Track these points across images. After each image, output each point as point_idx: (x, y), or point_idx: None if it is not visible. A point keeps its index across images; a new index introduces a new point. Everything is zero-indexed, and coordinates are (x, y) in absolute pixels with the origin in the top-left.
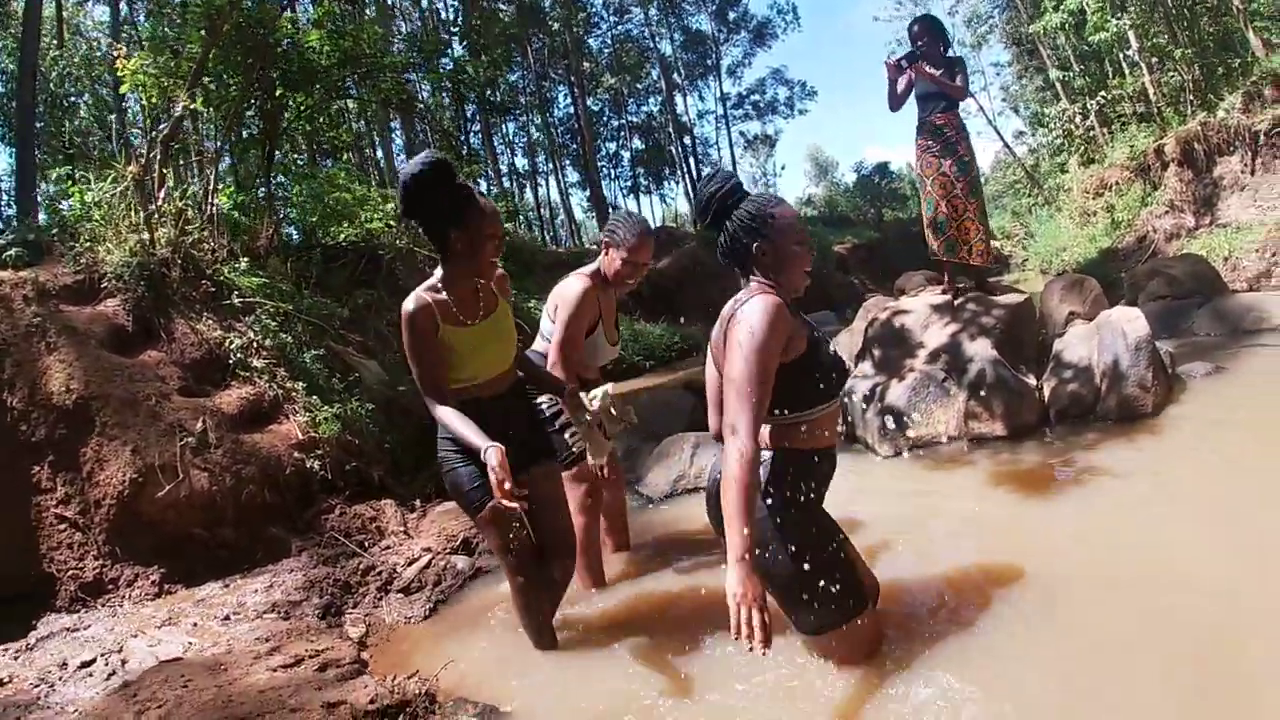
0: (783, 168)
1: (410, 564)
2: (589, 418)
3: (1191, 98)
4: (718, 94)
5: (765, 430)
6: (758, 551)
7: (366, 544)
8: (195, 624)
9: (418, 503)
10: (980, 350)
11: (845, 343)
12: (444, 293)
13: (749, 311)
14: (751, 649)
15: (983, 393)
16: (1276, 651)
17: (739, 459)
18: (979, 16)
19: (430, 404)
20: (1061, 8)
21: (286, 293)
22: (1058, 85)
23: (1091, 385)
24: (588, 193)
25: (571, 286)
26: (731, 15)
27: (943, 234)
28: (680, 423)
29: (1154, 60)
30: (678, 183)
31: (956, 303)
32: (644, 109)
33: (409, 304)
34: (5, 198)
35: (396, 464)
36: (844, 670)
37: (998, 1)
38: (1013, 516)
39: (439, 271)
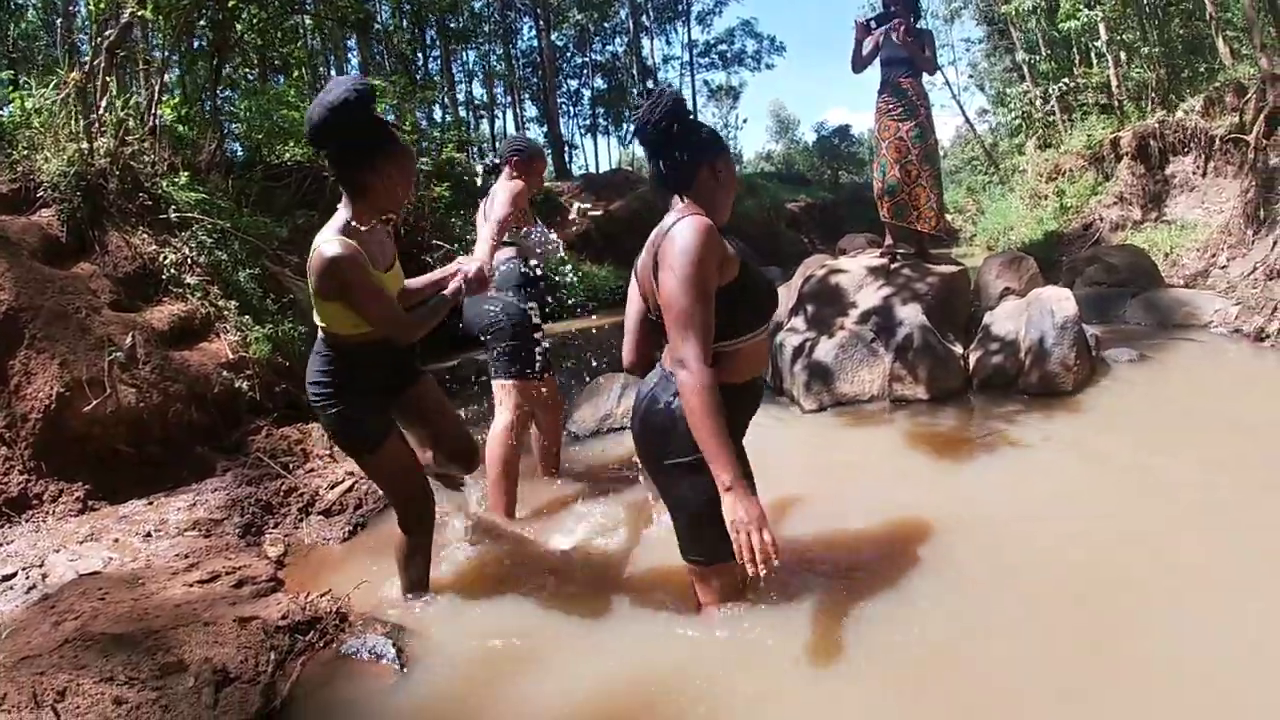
0: (744, 121)
1: (333, 487)
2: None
3: (1154, 95)
4: (685, 40)
5: None
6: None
7: (291, 466)
8: (117, 540)
9: None
10: (910, 315)
11: (783, 296)
12: (355, 238)
13: (682, 232)
14: (761, 572)
15: (909, 356)
16: (1144, 599)
17: (697, 391)
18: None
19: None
20: None
21: (225, 209)
22: (1024, 67)
23: (1016, 359)
24: (545, 129)
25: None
26: None
27: (892, 197)
28: (616, 365)
29: (1121, 54)
30: None
31: (892, 267)
32: (609, 49)
33: (336, 248)
34: None
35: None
36: (717, 606)
37: None
38: (925, 474)
39: (343, 213)
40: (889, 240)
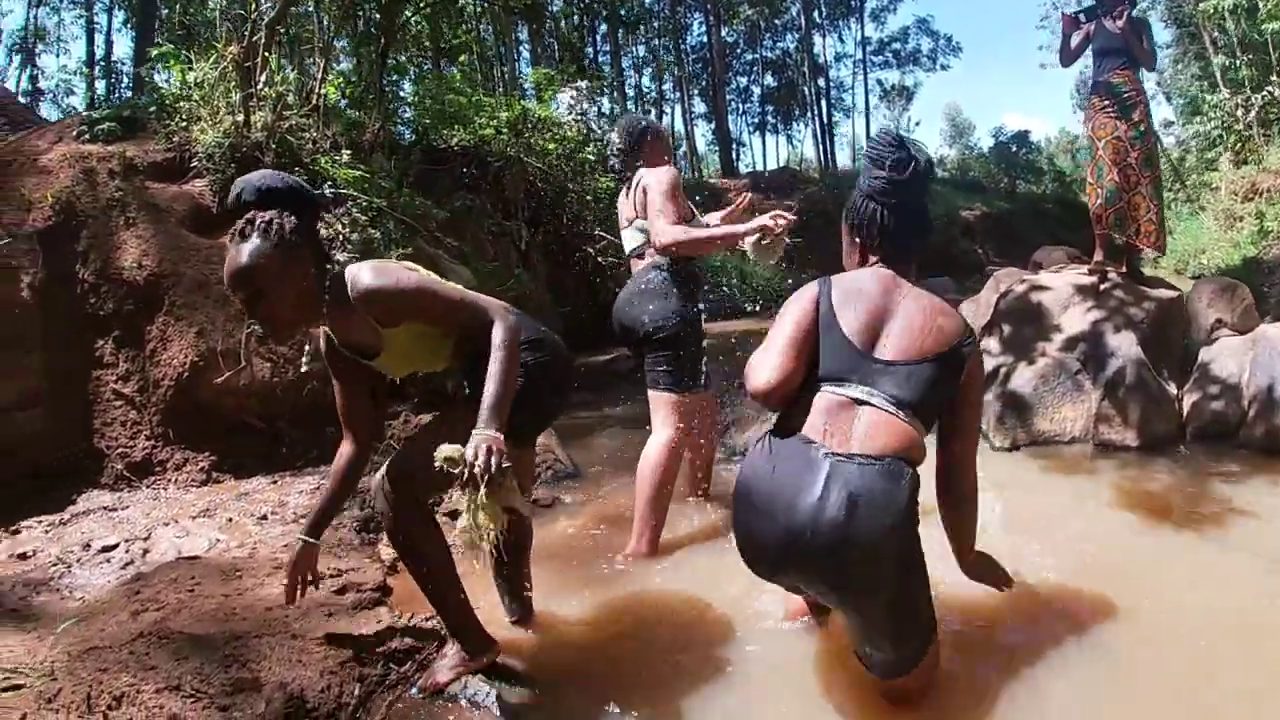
0: (917, 123)
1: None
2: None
3: None
4: (858, 37)
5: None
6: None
7: None
8: (231, 519)
9: None
10: (1123, 345)
11: (969, 313)
12: None
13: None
14: None
15: (1120, 394)
16: None
17: None
18: None
19: (502, 321)
20: None
21: (384, 188)
22: (1217, 74)
23: (1238, 406)
24: (713, 125)
25: (659, 171)
26: None
27: (1110, 205)
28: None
29: None
30: (806, 124)
31: (1102, 287)
32: (780, 45)
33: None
34: (127, 80)
35: (474, 376)
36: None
37: None
38: (1129, 543)
39: None
40: (1099, 255)
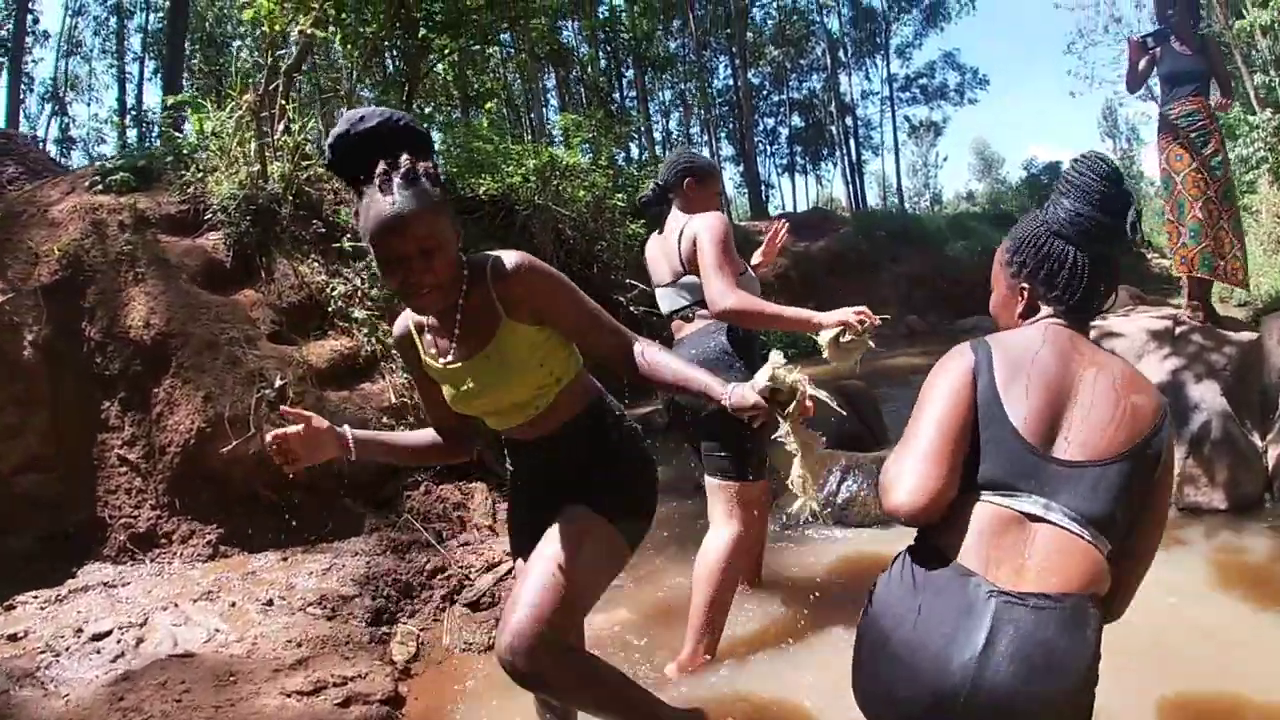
0: (945, 158)
1: (488, 569)
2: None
3: None
4: (884, 75)
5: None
6: None
7: (444, 535)
8: (234, 604)
9: None
10: (1207, 397)
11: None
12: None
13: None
14: None
15: (1205, 451)
16: None
17: None
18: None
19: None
20: (1273, 4)
21: None
22: (1250, 95)
23: None
24: (741, 167)
25: (708, 218)
26: None
27: (1197, 243)
28: (825, 432)
29: None
30: (835, 164)
31: (1178, 331)
32: (806, 85)
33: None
34: (156, 129)
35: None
36: None
37: None
38: (1233, 627)
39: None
40: (1188, 298)
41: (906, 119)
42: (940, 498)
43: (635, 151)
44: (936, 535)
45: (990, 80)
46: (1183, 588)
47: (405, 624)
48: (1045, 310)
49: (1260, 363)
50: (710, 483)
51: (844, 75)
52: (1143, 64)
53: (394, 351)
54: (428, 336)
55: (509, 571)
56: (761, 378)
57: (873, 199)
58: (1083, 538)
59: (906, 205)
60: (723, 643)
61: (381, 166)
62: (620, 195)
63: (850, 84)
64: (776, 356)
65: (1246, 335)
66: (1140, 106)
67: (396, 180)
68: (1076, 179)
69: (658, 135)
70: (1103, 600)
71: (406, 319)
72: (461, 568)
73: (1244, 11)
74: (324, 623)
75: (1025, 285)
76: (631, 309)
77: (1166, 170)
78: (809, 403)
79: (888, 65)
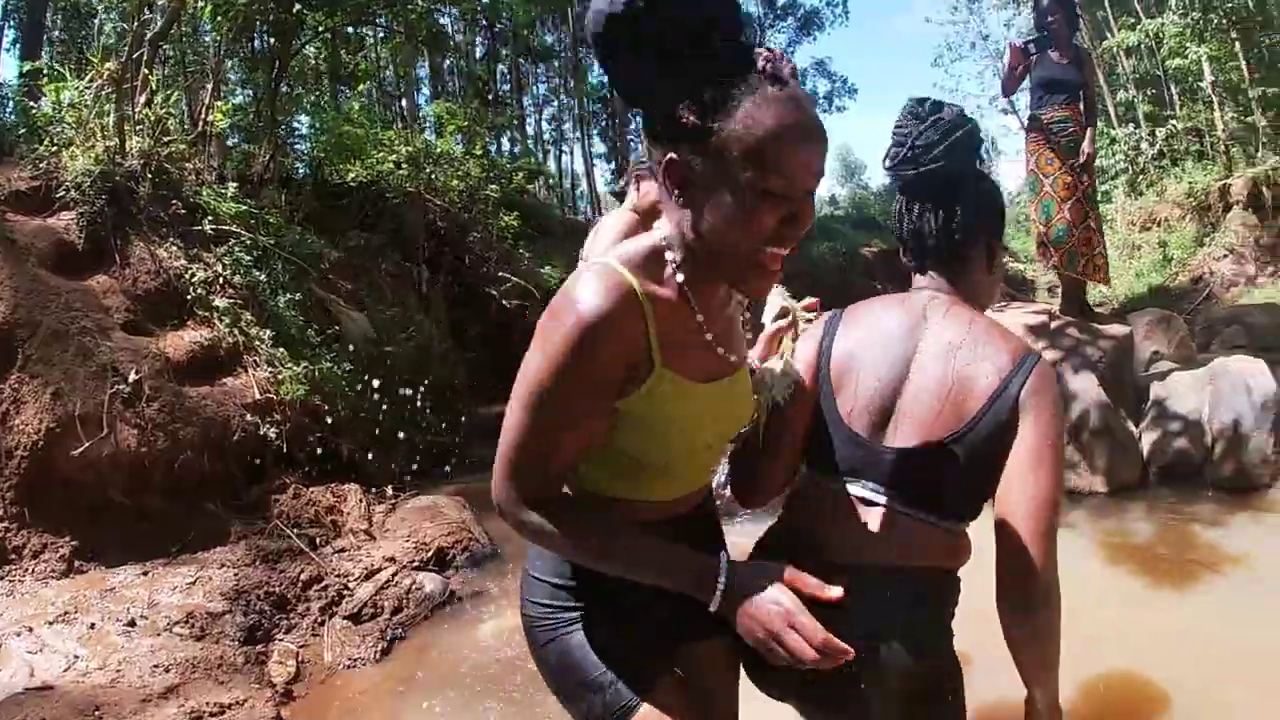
0: None
1: (367, 577)
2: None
3: (1264, 140)
4: None
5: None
6: None
7: (318, 541)
8: (93, 626)
9: (389, 490)
10: (1085, 388)
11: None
12: (670, 284)
13: (1050, 372)
14: None
15: (1085, 439)
16: None
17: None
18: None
19: (513, 499)
20: (1140, 28)
21: (271, 225)
22: (1110, 110)
23: (1202, 444)
24: (613, 165)
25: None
26: (780, 0)
27: (1063, 244)
28: None
29: (1225, 95)
30: None
31: (1053, 325)
32: None
33: (601, 292)
34: (9, 101)
35: (373, 439)
36: None
37: None
38: (1123, 600)
39: (663, 229)
40: (1063, 295)
41: None
42: (778, 480)
43: (506, 145)
44: (789, 515)
45: (859, 89)
46: (1073, 567)
47: (282, 641)
48: (918, 280)
49: (1131, 356)
50: None
51: None
52: (1020, 69)
53: (265, 337)
54: (679, 349)
55: (390, 579)
56: (774, 306)
57: None
58: (915, 518)
59: None
60: None
61: (766, 53)
62: (494, 186)
63: None
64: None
65: (1119, 329)
66: (1000, 120)
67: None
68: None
69: (530, 129)
70: (948, 566)
71: (646, 317)
72: (339, 576)
73: (1110, 32)
74: (193, 644)
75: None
76: (504, 302)
77: (1035, 172)
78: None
79: None
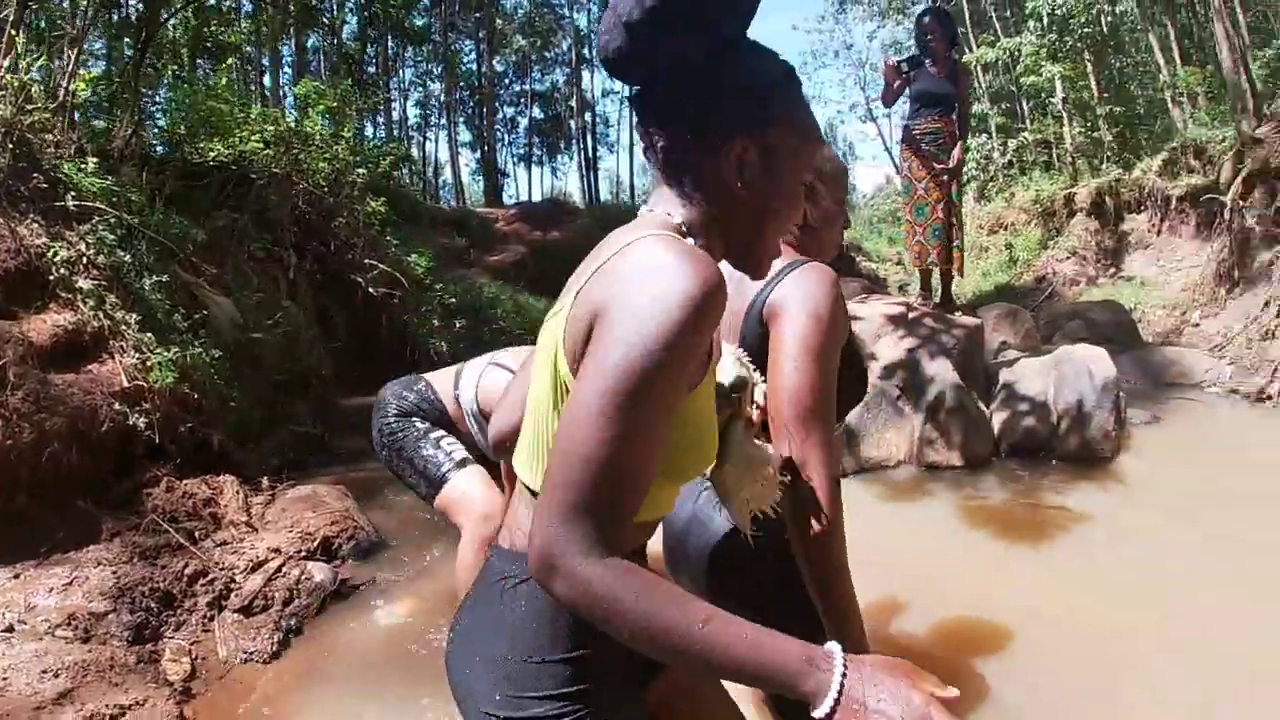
0: None
1: (254, 569)
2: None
3: (1108, 154)
4: None
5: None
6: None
7: (198, 535)
8: None
9: (264, 481)
10: (940, 371)
11: None
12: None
13: (814, 284)
14: None
15: (941, 418)
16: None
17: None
18: (898, 43)
19: (581, 549)
20: (999, 45)
21: (136, 204)
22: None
23: (1048, 422)
24: (478, 154)
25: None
26: None
27: (938, 240)
28: None
29: (1074, 111)
30: (571, 158)
31: (911, 316)
32: (549, 78)
33: (698, 258)
34: None
35: (241, 427)
36: None
37: None
38: (991, 558)
39: (676, 214)
40: (921, 287)
41: None
42: None
43: (370, 129)
44: None
45: None
46: (938, 529)
47: (173, 639)
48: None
49: (982, 345)
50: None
51: (587, 72)
52: (898, 84)
53: (131, 321)
54: None
55: (278, 570)
56: (729, 368)
57: (605, 194)
58: None
59: (636, 202)
60: None
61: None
62: (361, 171)
63: (593, 81)
64: (731, 348)
65: (971, 320)
66: (859, 126)
67: None
68: None
69: (395, 115)
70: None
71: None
72: (224, 570)
73: (970, 48)
74: (80, 646)
75: None
76: (370, 289)
77: (908, 177)
78: (757, 407)
79: None
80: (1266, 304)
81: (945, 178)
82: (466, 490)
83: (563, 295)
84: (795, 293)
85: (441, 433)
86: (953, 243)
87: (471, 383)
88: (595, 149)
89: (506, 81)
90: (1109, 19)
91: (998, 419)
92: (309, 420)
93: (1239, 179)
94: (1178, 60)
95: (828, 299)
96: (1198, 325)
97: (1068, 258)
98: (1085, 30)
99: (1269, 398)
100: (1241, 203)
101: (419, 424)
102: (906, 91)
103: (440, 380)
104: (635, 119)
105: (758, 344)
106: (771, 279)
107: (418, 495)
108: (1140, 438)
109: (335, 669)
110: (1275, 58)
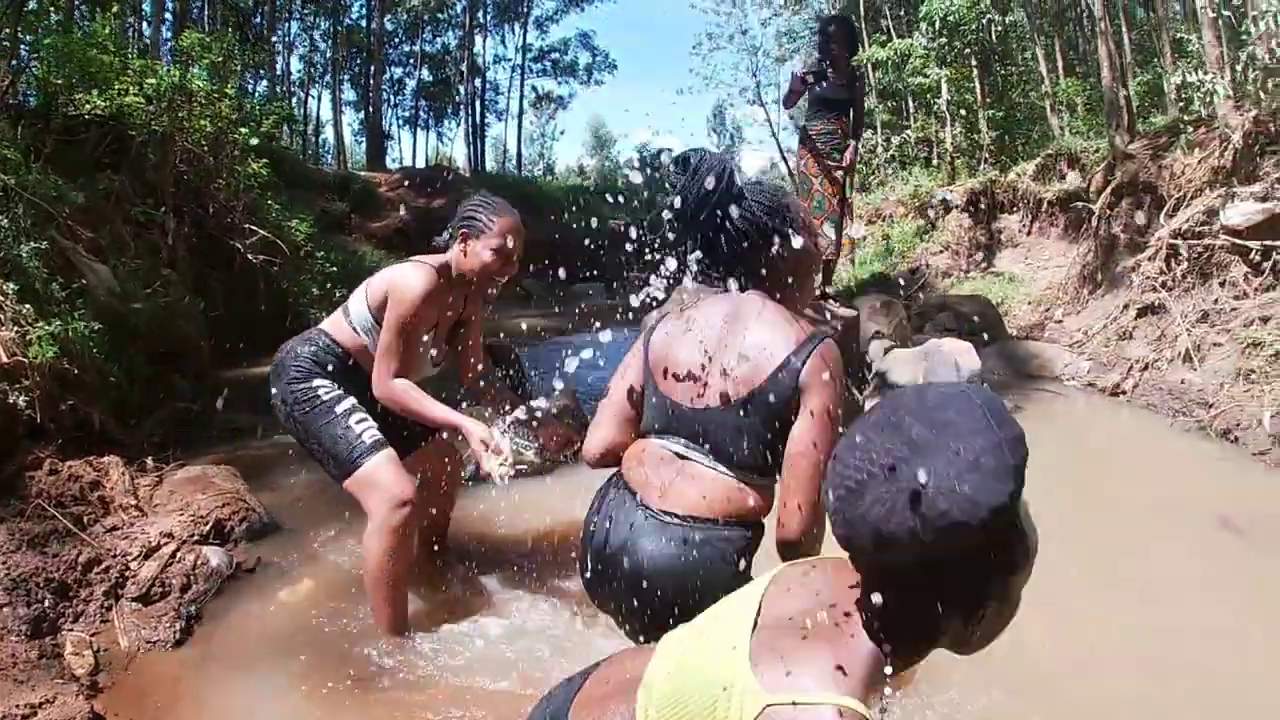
0: (562, 132)
1: (148, 555)
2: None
3: (987, 155)
4: (520, 43)
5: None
6: None
7: (85, 520)
8: None
9: (149, 462)
10: None
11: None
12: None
13: (831, 352)
14: None
15: None
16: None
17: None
18: (793, 32)
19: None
20: (890, 46)
21: (12, 162)
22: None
23: None
24: (362, 115)
25: (412, 279)
26: None
27: (836, 233)
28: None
29: (957, 113)
30: (459, 124)
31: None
32: (441, 40)
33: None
34: None
35: (121, 405)
36: None
37: (812, 23)
38: None
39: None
40: (823, 275)
41: (534, 89)
42: (612, 447)
43: (251, 85)
44: (624, 466)
45: (619, 65)
46: None
47: (71, 630)
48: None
49: (857, 334)
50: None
51: (480, 37)
52: (801, 92)
53: (9, 291)
54: None
55: (173, 555)
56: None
57: (491, 162)
58: (714, 469)
59: (523, 172)
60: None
61: None
62: (244, 129)
63: (485, 47)
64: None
65: (848, 312)
66: (747, 110)
67: None
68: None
69: (279, 70)
70: (745, 519)
71: None
72: (117, 557)
73: (863, 44)
74: None
75: None
76: (249, 256)
77: (805, 174)
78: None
79: (524, 34)
80: (1126, 306)
81: (840, 174)
82: (378, 476)
83: None
84: (824, 370)
85: (350, 405)
86: (844, 231)
87: (359, 300)
88: (483, 116)
89: (396, 41)
90: (999, 29)
91: (870, 405)
92: (188, 396)
93: (1109, 189)
94: (1060, 71)
95: (840, 376)
96: (1060, 322)
97: (941, 251)
98: (974, 37)
99: (1123, 392)
100: (1109, 211)
101: (323, 393)
102: (806, 95)
103: (332, 323)
104: None
105: (786, 395)
106: (801, 347)
107: (325, 471)
108: None
109: (241, 653)
110: (1155, 79)
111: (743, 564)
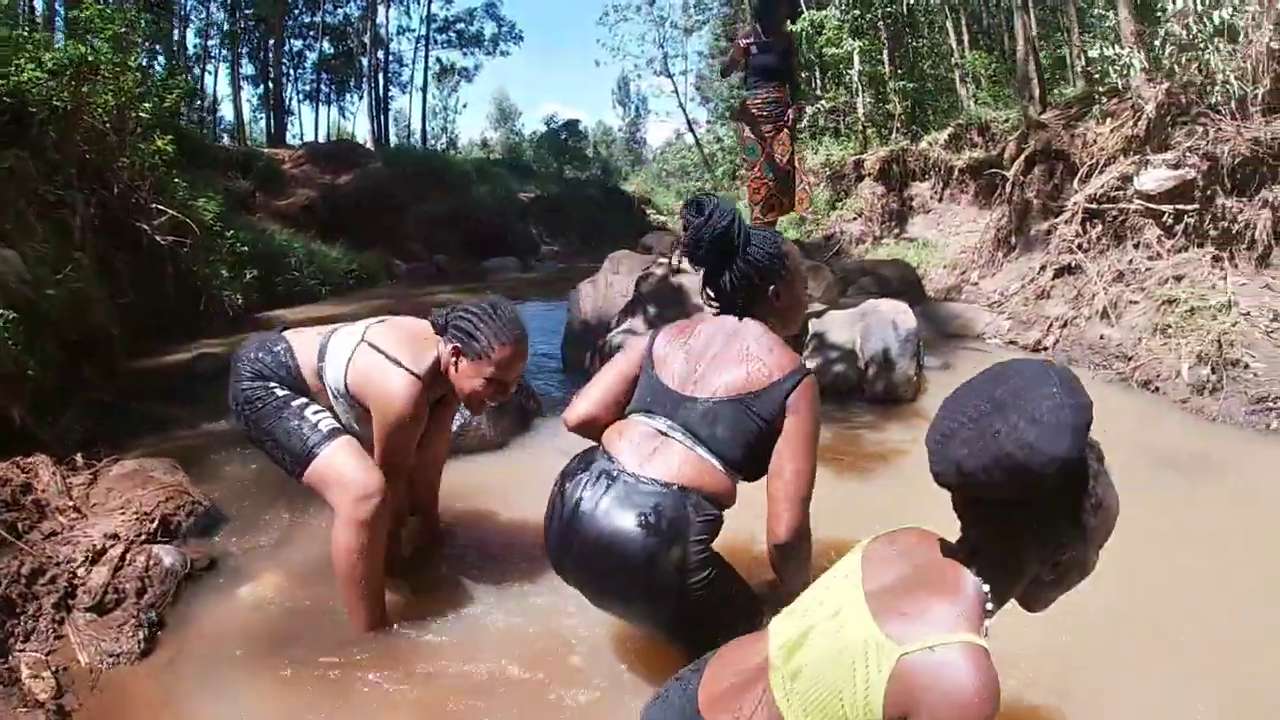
0: (465, 105)
1: (94, 560)
2: None
3: (898, 125)
4: (424, 13)
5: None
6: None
7: (21, 528)
8: None
9: (79, 459)
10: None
11: (590, 294)
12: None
13: (814, 384)
14: None
15: None
16: None
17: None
18: (702, 4)
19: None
20: (804, 17)
21: None
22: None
23: (856, 368)
24: (261, 90)
25: (396, 394)
26: None
27: (785, 191)
28: None
29: (868, 84)
30: (361, 97)
31: None
32: (342, 11)
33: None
34: None
35: (38, 399)
36: None
37: None
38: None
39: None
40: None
41: (439, 60)
42: (592, 420)
43: (163, 61)
44: (605, 439)
45: (525, 36)
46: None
47: (24, 650)
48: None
49: None
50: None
51: (383, 7)
52: (742, 62)
53: None
54: None
55: (123, 559)
56: None
57: (394, 137)
58: (693, 450)
59: (428, 145)
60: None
61: None
62: (147, 105)
63: (388, 17)
64: None
65: None
66: (653, 80)
67: None
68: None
69: (175, 45)
70: (716, 498)
71: None
72: (61, 565)
73: (797, 18)
74: None
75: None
76: (157, 237)
77: (751, 140)
78: None
79: (429, 4)
80: (1043, 268)
81: (786, 133)
82: (338, 466)
83: None
84: (807, 397)
85: (305, 400)
86: (798, 185)
87: (340, 362)
88: (387, 89)
89: (296, 12)
90: (910, 2)
91: (810, 364)
92: (102, 387)
93: (1022, 157)
94: (967, 44)
95: (818, 404)
96: (975, 284)
97: (855, 218)
98: (886, 9)
99: (1045, 349)
100: (1023, 178)
101: (278, 390)
102: (754, 66)
103: (302, 347)
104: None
105: (772, 411)
106: (791, 373)
107: (284, 470)
108: (935, 381)
109: (213, 659)
110: (1058, 52)
111: (704, 538)
